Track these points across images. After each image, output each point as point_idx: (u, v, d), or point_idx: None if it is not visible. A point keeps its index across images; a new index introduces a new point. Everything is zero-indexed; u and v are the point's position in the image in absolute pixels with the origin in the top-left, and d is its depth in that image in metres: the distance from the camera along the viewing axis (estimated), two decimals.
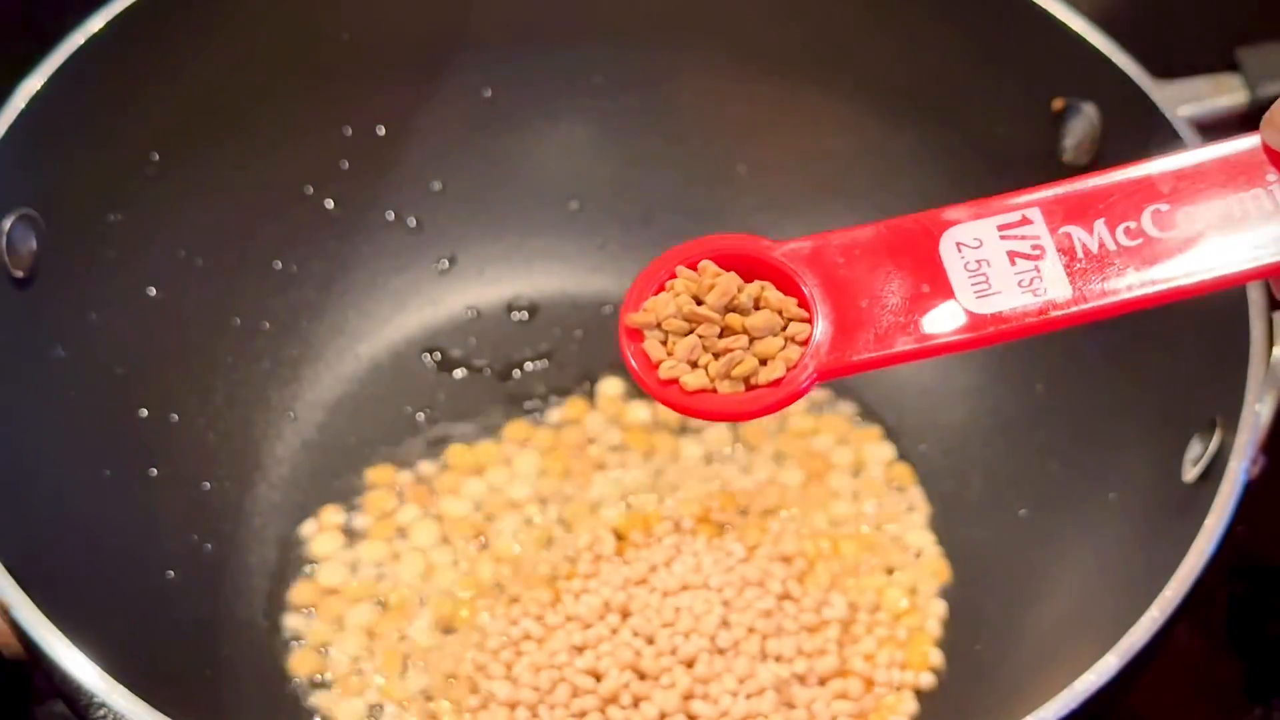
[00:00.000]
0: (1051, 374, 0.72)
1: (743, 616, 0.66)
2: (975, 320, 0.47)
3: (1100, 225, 0.47)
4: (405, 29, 0.76)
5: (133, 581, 0.65)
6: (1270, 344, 0.59)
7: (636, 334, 0.48)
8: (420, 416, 0.75)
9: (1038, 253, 0.47)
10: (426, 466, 0.73)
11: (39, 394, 0.64)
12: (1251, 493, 0.57)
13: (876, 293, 0.47)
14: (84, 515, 0.64)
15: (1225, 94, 0.68)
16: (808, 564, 0.69)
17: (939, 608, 0.69)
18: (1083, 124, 0.69)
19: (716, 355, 0.46)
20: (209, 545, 0.69)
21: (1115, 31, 0.68)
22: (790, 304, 0.47)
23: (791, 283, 0.48)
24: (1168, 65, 0.68)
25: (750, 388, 0.46)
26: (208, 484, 0.71)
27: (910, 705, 0.66)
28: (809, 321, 0.47)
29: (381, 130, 0.77)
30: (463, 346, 0.78)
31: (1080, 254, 0.47)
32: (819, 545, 0.70)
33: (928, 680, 0.67)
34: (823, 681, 0.66)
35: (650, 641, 0.65)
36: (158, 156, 0.70)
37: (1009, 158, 0.73)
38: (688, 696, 0.64)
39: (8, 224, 0.63)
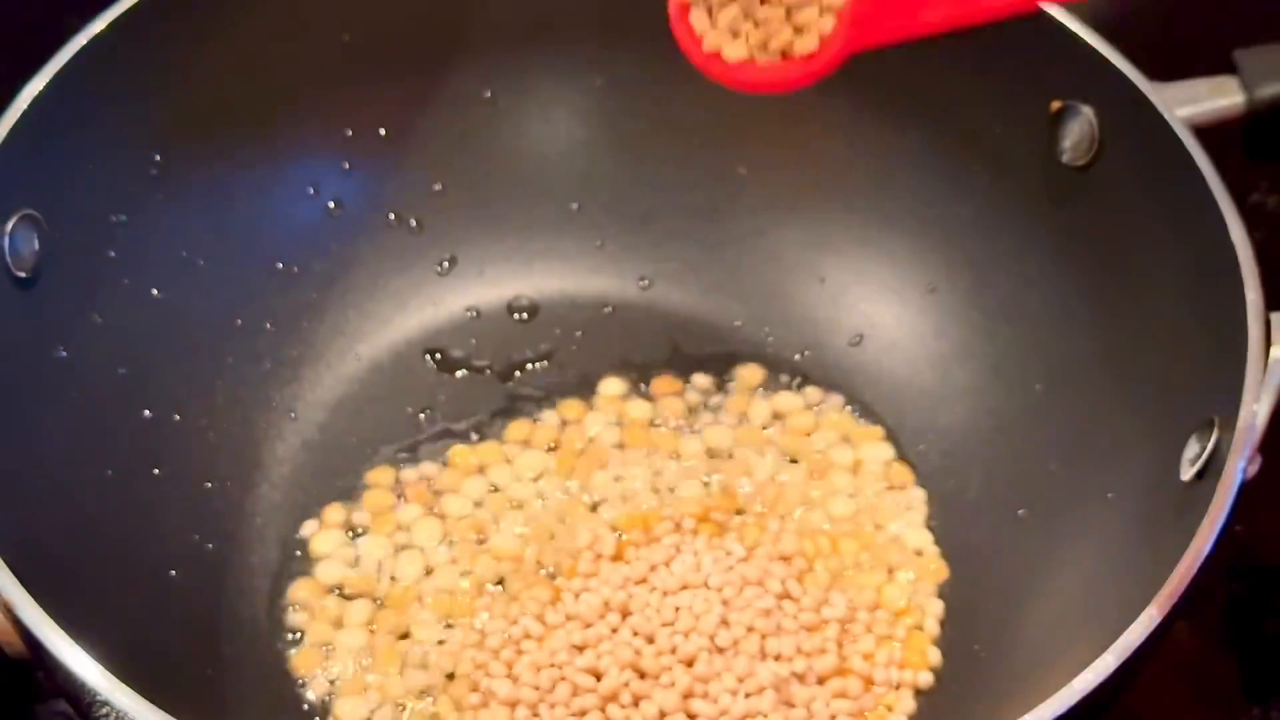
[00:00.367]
0: (1050, 374, 0.72)
1: (742, 615, 0.66)
2: None
3: None
4: (406, 30, 0.76)
5: (135, 580, 0.65)
6: (1267, 344, 0.59)
7: (684, 9, 0.47)
8: (421, 417, 0.75)
9: None
10: (427, 466, 0.73)
11: (42, 394, 0.64)
12: (1249, 492, 0.57)
13: None
14: (87, 515, 0.64)
15: (1222, 96, 0.68)
16: (807, 563, 0.69)
17: (938, 607, 0.69)
18: (1081, 125, 0.69)
19: (757, 25, 0.46)
20: (211, 545, 0.70)
21: (1113, 33, 0.68)
22: None
23: None
24: (1165, 67, 0.68)
25: (788, 60, 0.46)
26: (210, 484, 0.71)
27: (909, 704, 0.66)
28: None
29: (382, 131, 0.77)
30: (463, 347, 0.78)
31: None
32: (818, 544, 0.70)
33: (926, 679, 0.67)
34: (822, 680, 0.66)
35: (650, 640, 0.66)
36: (160, 158, 0.71)
37: (1008, 159, 0.73)
38: (687, 695, 0.64)
39: (10, 225, 0.63)
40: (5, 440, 0.61)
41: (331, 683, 0.67)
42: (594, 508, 0.71)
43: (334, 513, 0.72)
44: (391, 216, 0.79)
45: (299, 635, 0.68)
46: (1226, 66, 0.69)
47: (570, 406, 0.75)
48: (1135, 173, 0.68)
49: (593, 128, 0.80)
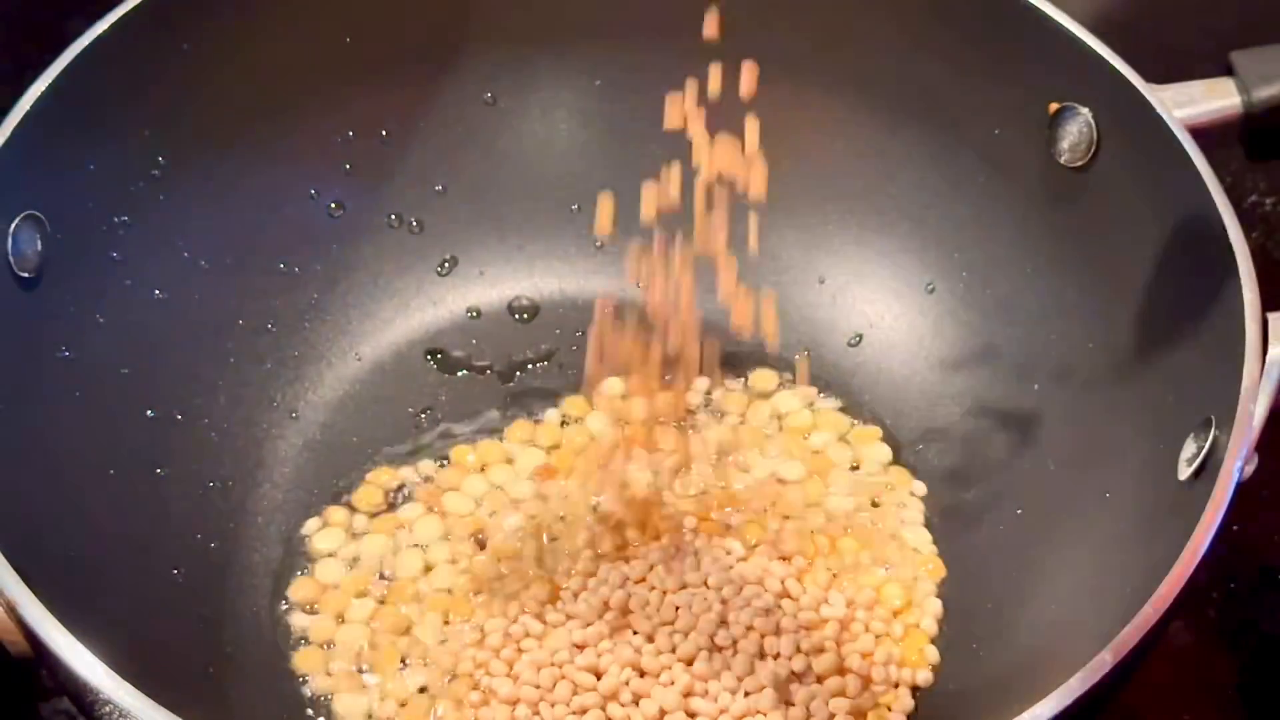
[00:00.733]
0: (1048, 374, 0.72)
1: (741, 615, 0.66)
2: None
3: None
4: (407, 32, 0.76)
5: (138, 580, 0.65)
6: (1265, 344, 0.59)
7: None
8: (422, 417, 0.76)
9: None
10: (428, 466, 0.74)
11: (45, 394, 0.64)
12: (1246, 491, 0.58)
13: None
14: (90, 514, 0.64)
15: (1220, 98, 0.68)
16: (806, 563, 0.70)
17: (936, 606, 0.69)
18: (1078, 127, 0.69)
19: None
20: (213, 543, 0.70)
21: (1111, 35, 0.69)
22: None
23: None
24: (1163, 69, 0.68)
25: None
26: (212, 483, 0.71)
27: (907, 703, 0.66)
28: None
29: (384, 133, 0.78)
30: (464, 347, 0.78)
31: None
32: (817, 544, 0.70)
33: (925, 678, 0.67)
34: (821, 679, 0.66)
35: (650, 639, 0.66)
36: (162, 159, 0.71)
37: (1006, 160, 0.73)
38: (687, 694, 0.64)
39: (14, 226, 0.63)
40: (8, 440, 0.61)
41: (333, 680, 0.67)
42: (594, 507, 0.71)
43: (335, 511, 0.72)
44: (392, 217, 0.79)
45: (301, 633, 0.68)
46: (1224, 68, 0.69)
47: (570, 405, 0.76)
48: (1133, 174, 0.68)
49: (593, 129, 0.80)
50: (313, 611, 0.69)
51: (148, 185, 0.70)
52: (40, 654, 0.55)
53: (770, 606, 0.67)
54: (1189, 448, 0.61)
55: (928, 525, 0.72)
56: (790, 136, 0.78)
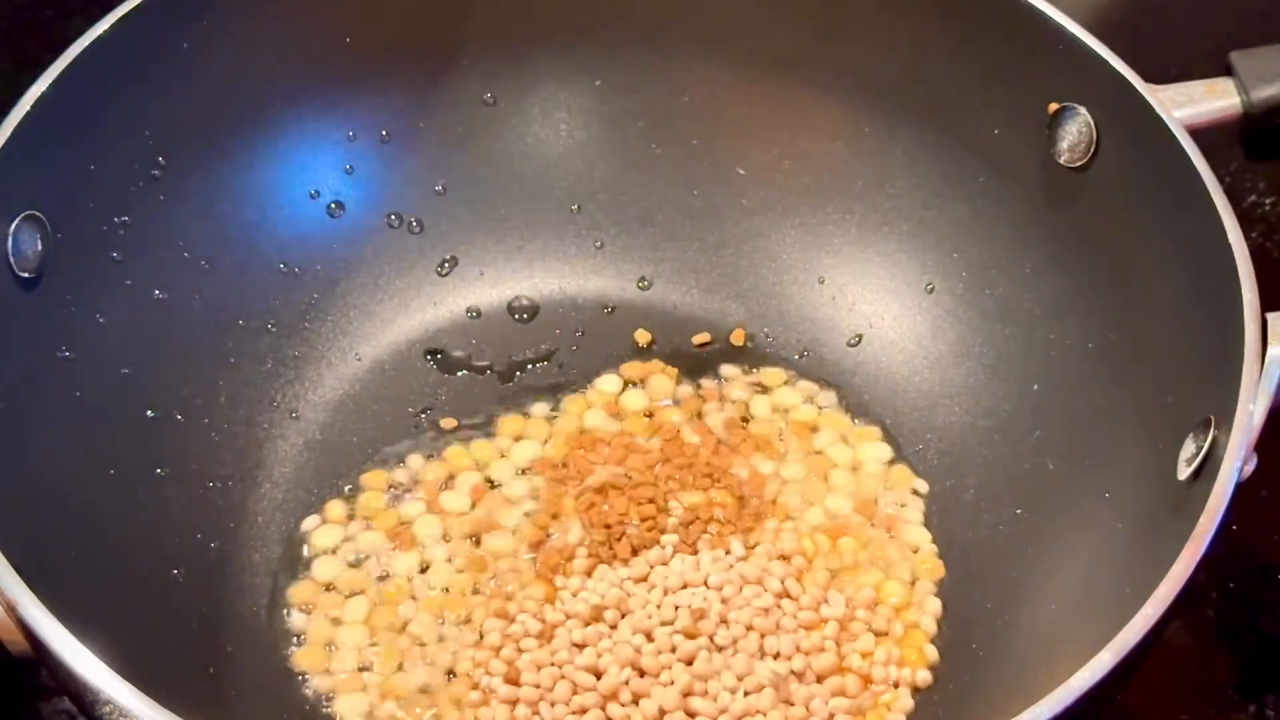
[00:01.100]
0: (1048, 373, 0.72)
1: (741, 614, 0.66)
2: None
3: None
4: (407, 33, 0.76)
5: (138, 579, 0.65)
6: (1264, 343, 0.59)
7: None
8: (422, 417, 0.76)
9: None
10: (427, 465, 0.74)
11: (45, 394, 0.64)
12: (1245, 491, 0.58)
13: None
14: (90, 514, 0.64)
15: (1219, 98, 0.68)
16: (806, 562, 0.70)
17: (936, 605, 0.69)
18: (1078, 127, 0.69)
19: None
20: (213, 543, 0.70)
21: (1110, 35, 0.69)
22: None
23: None
24: (1162, 69, 0.69)
25: None
26: (212, 483, 0.71)
27: (907, 702, 0.66)
28: None
29: (384, 133, 0.78)
30: (464, 347, 0.78)
31: None
32: (817, 543, 0.70)
33: (924, 677, 0.67)
34: (820, 679, 0.66)
35: (649, 639, 0.66)
36: (163, 159, 0.71)
37: (1005, 160, 0.73)
38: (687, 694, 0.64)
39: (14, 226, 0.63)
40: (9, 440, 0.61)
41: (332, 680, 0.67)
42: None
43: (335, 511, 0.72)
44: (392, 217, 0.79)
45: (300, 633, 0.68)
46: (1223, 68, 0.69)
47: (568, 401, 0.76)
48: (1132, 174, 0.68)
49: (593, 129, 0.80)
50: (312, 611, 0.69)
51: (148, 185, 0.71)
52: (40, 654, 0.55)
53: (770, 606, 0.67)
54: (1188, 448, 0.61)
55: (927, 525, 0.72)
56: (790, 136, 0.79)
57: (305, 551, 0.71)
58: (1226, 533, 0.56)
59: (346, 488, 0.73)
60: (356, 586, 0.70)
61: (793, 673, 0.65)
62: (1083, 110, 0.69)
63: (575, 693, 0.65)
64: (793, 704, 0.65)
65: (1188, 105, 0.67)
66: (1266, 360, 0.59)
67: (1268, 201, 0.87)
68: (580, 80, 0.79)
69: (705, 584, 0.68)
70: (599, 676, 0.65)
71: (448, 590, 0.69)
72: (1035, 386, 0.72)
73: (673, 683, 0.64)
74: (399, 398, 0.76)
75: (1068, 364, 0.71)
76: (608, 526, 0.70)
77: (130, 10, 0.68)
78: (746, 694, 0.65)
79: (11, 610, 0.54)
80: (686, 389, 0.76)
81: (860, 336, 0.78)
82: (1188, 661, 0.71)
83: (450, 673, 0.67)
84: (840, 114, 0.77)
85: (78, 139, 0.67)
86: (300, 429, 0.75)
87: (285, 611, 0.69)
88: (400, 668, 0.67)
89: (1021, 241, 0.73)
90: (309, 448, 0.74)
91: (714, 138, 0.80)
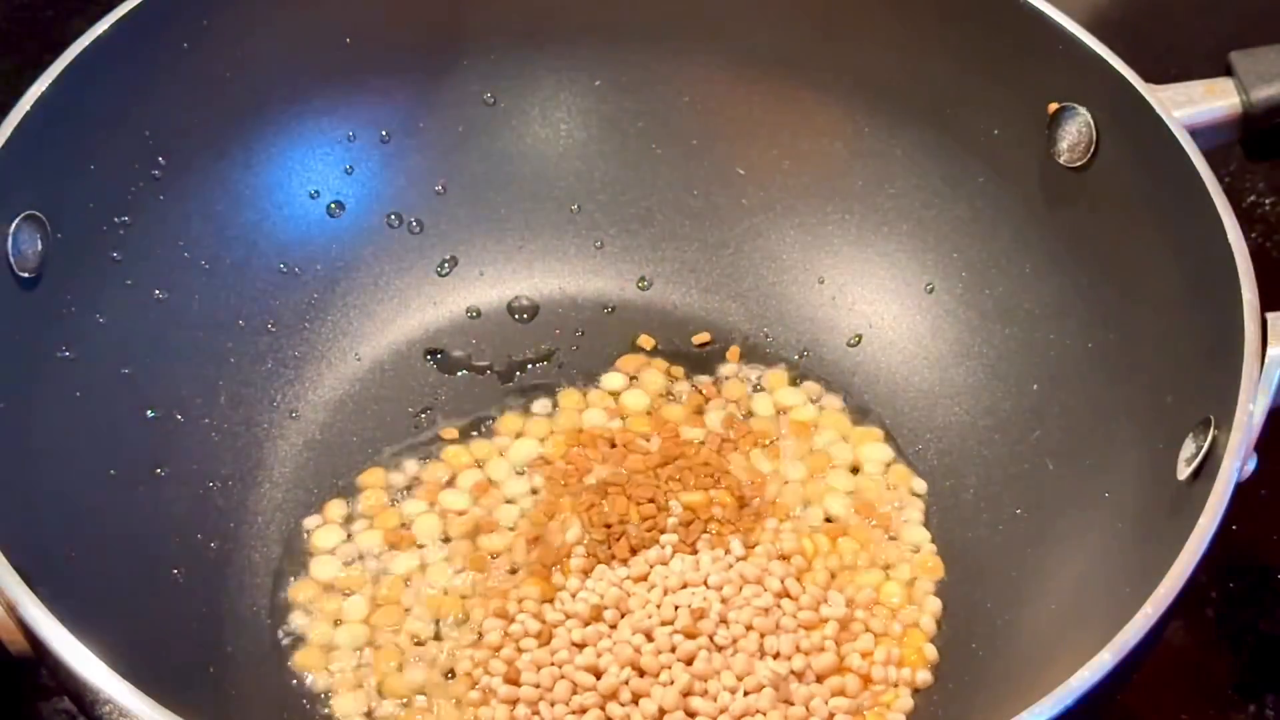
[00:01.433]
0: (1047, 373, 0.72)
1: (741, 614, 0.66)
2: None
3: None
4: (407, 33, 0.76)
5: (138, 579, 0.65)
6: (1264, 343, 0.59)
7: None
8: (422, 416, 0.76)
9: None
10: (426, 465, 0.74)
11: (46, 394, 0.65)
12: (1245, 491, 0.58)
13: None
14: (90, 514, 0.65)
15: (1219, 98, 0.68)
16: (806, 562, 0.70)
17: (935, 605, 0.69)
18: (1078, 127, 0.69)
19: None
20: (213, 543, 0.70)
21: (1111, 36, 0.69)
22: None
23: None
24: (1162, 69, 0.69)
25: None
26: (212, 483, 0.71)
27: (906, 702, 0.66)
28: None
29: (383, 133, 0.78)
30: (464, 347, 0.78)
31: None
32: (817, 543, 0.70)
33: (924, 677, 0.67)
34: (820, 678, 0.66)
35: (649, 639, 0.66)
36: (163, 159, 0.71)
37: (1005, 160, 0.73)
38: (686, 693, 0.65)
39: (14, 226, 0.63)
40: (9, 439, 0.61)
41: (332, 679, 0.67)
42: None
43: (334, 511, 0.72)
44: (392, 217, 0.79)
45: (300, 632, 0.68)
46: (1223, 68, 0.69)
47: (568, 398, 0.76)
48: (1132, 174, 0.68)
49: (592, 129, 0.80)
50: (312, 611, 0.69)
51: (148, 185, 0.71)
52: (40, 654, 0.55)
53: (769, 606, 0.67)
54: (1188, 447, 0.61)
55: (927, 525, 0.72)
56: (790, 136, 0.79)
57: (305, 551, 0.71)
58: (1226, 533, 0.56)
59: (346, 487, 0.73)
60: (356, 586, 0.70)
61: (793, 673, 0.65)
62: (1083, 110, 0.69)
63: (575, 692, 0.65)
64: (793, 704, 0.65)
65: (1187, 105, 0.67)
66: (1266, 360, 0.59)
67: (1268, 201, 0.87)
68: (580, 80, 0.80)
69: (705, 584, 0.68)
70: (599, 676, 0.65)
71: (447, 591, 0.69)
72: (1035, 386, 0.72)
73: (672, 682, 0.64)
74: (399, 398, 0.76)
75: (1067, 364, 0.71)
76: (607, 526, 0.70)
77: (130, 10, 0.68)
78: (746, 694, 0.65)
79: (11, 610, 0.54)
80: (686, 387, 0.76)
81: (860, 336, 0.78)
82: (1188, 661, 0.71)
83: (450, 673, 0.67)
84: (840, 114, 0.77)
85: (78, 139, 0.67)
86: (300, 429, 0.75)
87: (285, 611, 0.69)
88: (399, 667, 0.67)
89: (1021, 241, 0.73)
90: (309, 448, 0.74)
91: (714, 138, 0.80)
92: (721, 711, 0.64)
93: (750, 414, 0.76)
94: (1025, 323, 0.73)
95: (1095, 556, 0.64)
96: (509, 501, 0.72)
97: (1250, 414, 0.58)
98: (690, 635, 0.65)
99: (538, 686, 0.65)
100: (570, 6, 0.78)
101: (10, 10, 0.96)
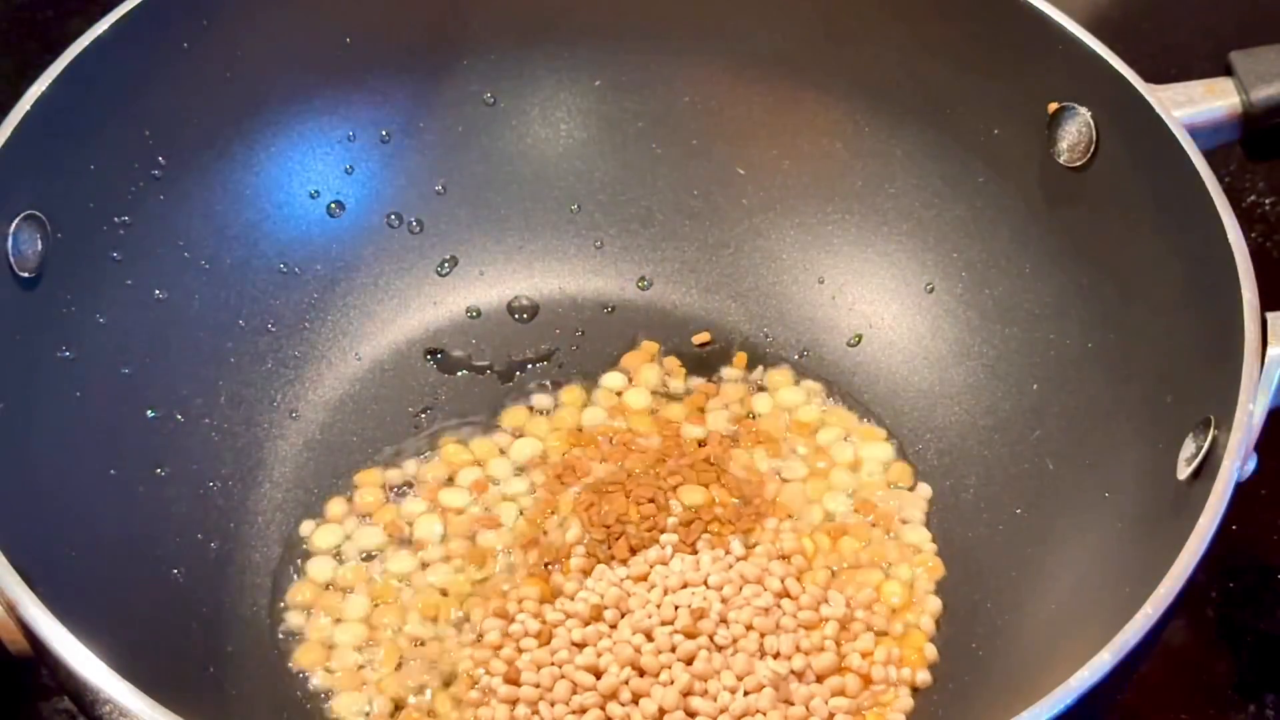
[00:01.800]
0: (1047, 373, 0.72)
1: (741, 614, 0.66)
2: None
3: None
4: (407, 33, 0.76)
5: (138, 579, 0.65)
6: (1264, 343, 0.59)
7: None
8: (422, 416, 0.76)
9: None
10: (426, 464, 0.74)
11: (46, 394, 0.65)
12: (1245, 491, 0.58)
13: None
14: (91, 514, 0.65)
15: (1219, 98, 0.68)
16: (806, 562, 0.70)
17: (935, 605, 0.69)
18: (1078, 126, 0.69)
19: None
20: (214, 543, 0.70)
21: (1111, 35, 0.69)
22: None
23: None
24: (1162, 69, 0.69)
25: None
26: (212, 483, 0.71)
27: (906, 702, 0.66)
28: None
29: (384, 133, 0.78)
30: (464, 347, 0.78)
31: None
32: (817, 543, 0.70)
33: (924, 677, 0.67)
34: (820, 678, 0.66)
35: (649, 638, 0.66)
36: (163, 159, 0.71)
37: (1005, 160, 0.73)
38: (686, 693, 0.65)
39: (14, 226, 0.63)
40: (9, 439, 0.61)
41: (332, 679, 0.67)
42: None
43: (334, 510, 0.72)
44: (392, 217, 0.79)
45: (300, 632, 0.68)
46: (1223, 68, 0.69)
47: (567, 395, 0.76)
48: (1132, 174, 0.68)
49: (592, 128, 0.80)
50: (312, 610, 0.69)
51: (148, 185, 0.71)
52: (40, 654, 0.55)
53: (770, 605, 0.67)
54: (1188, 447, 0.61)
55: (927, 524, 0.72)
56: (790, 136, 0.79)
57: (305, 551, 0.71)
58: (1226, 533, 0.56)
59: (346, 487, 0.73)
60: (356, 585, 0.70)
61: (793, 672, 0.65)
62: (1083, 110, 0.69)
63: (575, 692, 0.65)
64: (793, 704, 0.65)
65: (1187, 105, 0.67)
66: (1266, 360, 0.59)
67: (1268, 201, 0.87)
68: (580, 80, 0.80)
69: (705, 583, 0.68)
70: (599, 676, 0.65)
71: (446, 590, 0.69)
72: (1035, 386, 0.72)
73: (672, 682, 0.64)
74: (399, 398, 0.76)
75: (1067, 364, 0.71)
76: (607, 526, 0.70)
77: (130, 10, 0.68)
78: (746, 694, 0.65)
79: (11, 610, 0.54)
80: (686, 386, 0.76)
81: (860, 336, 0.78)
82: (1188, 661, 0.71)
83: (449, 672, 0.67)
84: (840, 114, 0.77)
85: (78, 139, 0.67)
86: (300, 429, 0.75)
87: (285, 611, 0.69)
88: (399, 667, 0.67)
89: (1021, 241, 0.73)
90: (309, 448, 0.74)
91: (714, 138, 0.80)
92: (721, 711, 0.64)
93: (751, 413, 0.76)
94: (1025, 323, 0.73)
95: (1095, 556, 0.64)
96: (508, 500, 0.72)
97: (1250, 414, 0.58)
98: (690, 635, 0.65)
99: (538, 686, 0.65)
100: (570, 7, 0.78)
101: (10, 10, 0.96)
